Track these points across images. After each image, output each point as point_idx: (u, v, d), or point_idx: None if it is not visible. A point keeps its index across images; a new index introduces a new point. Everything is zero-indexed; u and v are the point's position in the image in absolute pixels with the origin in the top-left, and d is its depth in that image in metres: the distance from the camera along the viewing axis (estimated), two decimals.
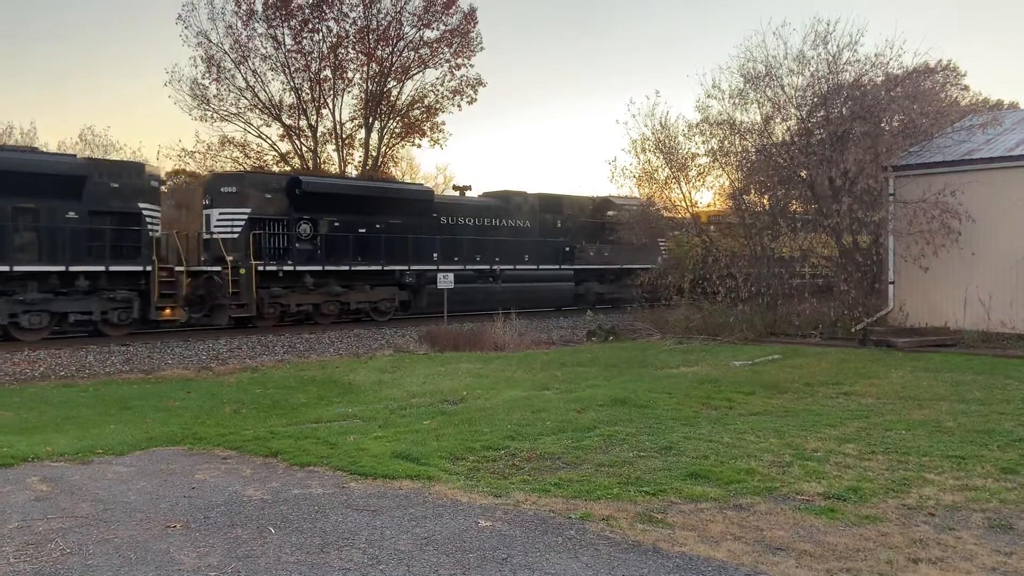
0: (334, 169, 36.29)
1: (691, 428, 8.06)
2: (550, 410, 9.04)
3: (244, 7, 34.08)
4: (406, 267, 23.02)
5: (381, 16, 35.24)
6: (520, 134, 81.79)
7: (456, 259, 24.08)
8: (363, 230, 22.39)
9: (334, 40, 34.94)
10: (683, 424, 8.28)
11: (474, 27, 36.31)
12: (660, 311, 21.81)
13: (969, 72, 79.65)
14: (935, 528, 5.07)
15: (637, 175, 24.32)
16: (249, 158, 35.86)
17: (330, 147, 37.17)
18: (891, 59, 17.99)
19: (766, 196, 20.42)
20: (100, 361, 15.62)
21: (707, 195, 24.92)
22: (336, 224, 21.96)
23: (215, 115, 35.29)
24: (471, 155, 78.31)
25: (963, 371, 12.01)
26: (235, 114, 35.51)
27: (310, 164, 35.86)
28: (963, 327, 15.86)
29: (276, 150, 36.67)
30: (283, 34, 34.61)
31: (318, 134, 36.52)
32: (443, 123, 37.54)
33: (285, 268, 20.81)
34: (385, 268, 22.67)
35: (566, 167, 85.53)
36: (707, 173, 23.14)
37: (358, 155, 37.37)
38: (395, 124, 37.50)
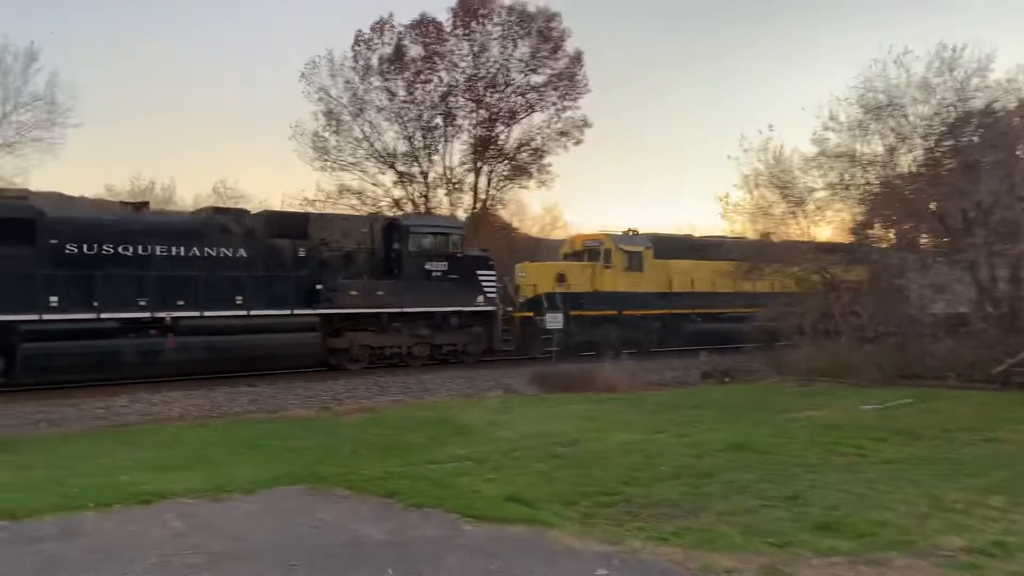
0: (445, 213, 37.28)
1: (818, 476, 7.68)
2: (665, 455, 8.83)
3: (361, 63, 35.93)
4: None
5: (490, 64, 36.32)
6: (629, 172, 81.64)
7: (95, 303, 16.49)
8: None
9: (445, 89, 36.22)
10: (809, 472, 7.89)
11: (580, 69, 36.84)
12: (778, 351, 21.00)
13: None
14: None
15: (750, 211, 23.82)
16: (365, 204, 37.38)
17: (441, 191, 38.30)
18: None
19: (892, 230, 19.50)
20: (230, 401, 16.41)
21: (826, 230, 24.00)
22: None
23: (334, 165, 37.09)
24: (581, 195, 78.62)
25: None
26: (352, 163, 37.23)
27: (421, 209, 36.98)
28: None
29: (390, 196, 38.10)
30: (397, 86, 36.18)
31: (429, 179, 37.74)
32: (550, 164, 38.03)
33: None
34: None
35: (675, 203, 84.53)
36: (827, 207, 22.37)
37: (467, 199, 38.32)
38: (503, 167, 38.28)
